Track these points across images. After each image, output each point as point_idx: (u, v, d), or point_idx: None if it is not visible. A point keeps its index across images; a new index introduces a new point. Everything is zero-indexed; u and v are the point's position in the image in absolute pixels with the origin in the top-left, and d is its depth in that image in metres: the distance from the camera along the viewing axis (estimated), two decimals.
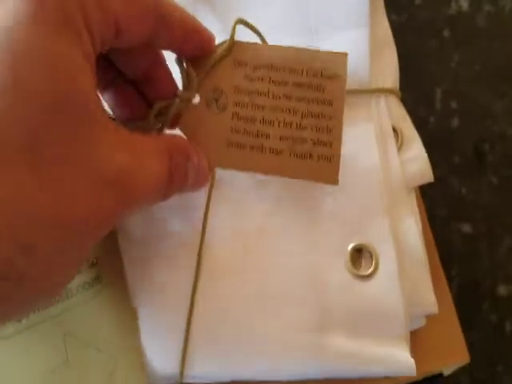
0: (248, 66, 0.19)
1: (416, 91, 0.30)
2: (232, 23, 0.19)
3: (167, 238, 0.19)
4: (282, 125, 0.19)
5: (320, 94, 0.19)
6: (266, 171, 0.19)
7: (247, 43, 0.19)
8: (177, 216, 0.19)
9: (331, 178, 0.19)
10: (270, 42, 0.20)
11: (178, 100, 0.18)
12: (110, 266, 0.18)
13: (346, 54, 0.19)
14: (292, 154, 0.19)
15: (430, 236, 0.23)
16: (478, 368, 0.26)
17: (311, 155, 0.19)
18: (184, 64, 0.18)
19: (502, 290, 0.27)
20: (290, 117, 0.19)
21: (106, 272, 0.18)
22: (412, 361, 0.18)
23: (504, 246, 0.28)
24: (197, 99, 0.19)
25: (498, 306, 0.27)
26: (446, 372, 0.23)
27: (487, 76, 0.31)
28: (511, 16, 0.33)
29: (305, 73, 0.19)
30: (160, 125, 0.19)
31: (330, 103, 0.19)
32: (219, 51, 0.19)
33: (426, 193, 0.24)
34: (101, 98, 0.18)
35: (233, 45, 0.19)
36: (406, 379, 0.21)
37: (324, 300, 0.19)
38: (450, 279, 0.23)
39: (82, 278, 0.17)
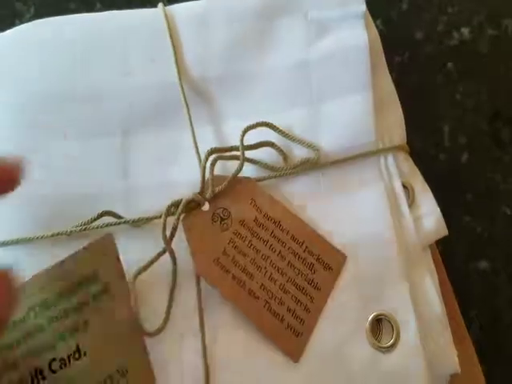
0: (261, 213, 0.20)
1: (423, 130, 0.31)
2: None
3: None
4: (267, 276, 0.20)
5: (311, 274, 0.20)
6: (237, 306, 0.19)
7: (271, 194, 0.21)
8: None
9: (294, 352, 0.19)
10: (275, 117, 0.21)
11: (189, 198, 0.19)
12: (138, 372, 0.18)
13: (345, 256, 0.20)
14: (266, 306, 0.19)
15: (449, 286, 0.24)
16: None
17: (283, 319, 0.19)
18: (207, 171, 0.20)
19: None
20: (277, 274, 0.20)
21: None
22: None
23: None
24: (206, 206, 0.20)
25: None
26: None
27: (494, 103, 0.31)
28: None
29: (304, 247, 0.20)
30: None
31: (318, 288, 0.20)
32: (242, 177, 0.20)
33: None
34: None
35: (254, 185, 0.21)
36: None
37: (348, 374, 0.19)
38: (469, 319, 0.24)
39: None
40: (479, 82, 0.32)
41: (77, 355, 0.18)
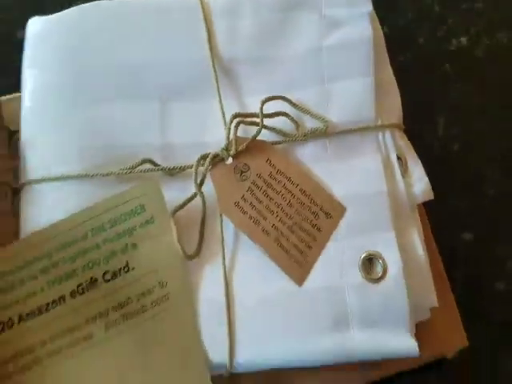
0: (275, 169, 0.25)
1: (421, 121, 0.35)
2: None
3: None
4: (278, 218, 0.24)
5: (314, 220, 0.24)
6: (252, 239, 0.24)
7: (284, 155, 0.25)
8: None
9: (298, 278, 0.24)
10: (291, 94, 0.26)
11: (215, 152, 0.24)
12: (176, 284, 0.23)
13: (344, 208, 0.25)
14: (276, 242, 0.24)
15: (434, 245, 0.28)
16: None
17: (288, 252, 0.24)
18: (232, 132, 0.24)
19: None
20: (286, 218, 0.24)
21: (172, 290, 0.23)
22: (415, 345, 0.23)
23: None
24: (229, 161, 0.25)
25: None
26: (449, 356, 0.27)
27: (485, 101, 0.35)
28: (508, 47, 0.37)
29: (310, 198, 0.25)
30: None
31: (320, 230, 0.24)
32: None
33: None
34: None
35: (270, 147, 0.25)
36: (417, 360, 0.26)
37: (342, 300, 0.23)
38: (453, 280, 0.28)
39: (153, 297, 0.22)
40: (472, 81, 0.36)
41: (126, 269, 0.22)
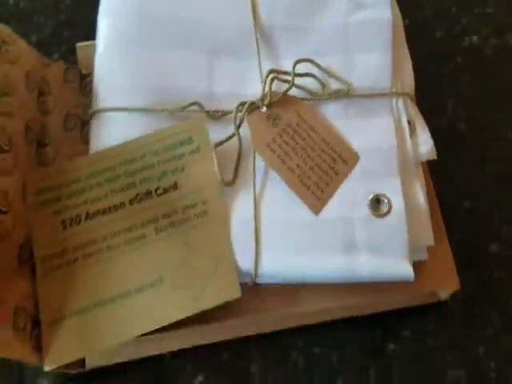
0: (302, 119, 0.29)
1: (433, 102, 0.38)
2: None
3: None
4: (301, 159, 0.29)
5: (332, 163, 0.29)
6: (279, 174, 0.28)
7: (311, 109, 0.29)
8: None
9: (316, 208, 0.28)
10: (320, 59, 0.30)
11: (252, 101, 0.29)
12: (215, 203, 0.27)
13: (358, 156, 0.29)
14: (299, 178, 0.28)
15: (435, 200, 0.31)
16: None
17: (309, 187, 0.28)
18: (267, 85, 0.29)
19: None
20: (308, 159, 0.29)
21: (211, 207, 0.27)
22: (411, 270, 0.26)
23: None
24: (264, 109, 0.29)
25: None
26: (444, 297, 0.31)
27: (490, 92, 0.39)
28: None
29: (330, 146, 0.29)
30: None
31: (337, 173, 0.29)
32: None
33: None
34: None
35: (299, 102, 0.29)
36: (414, 299, 0.29)
37: (352, 229, 0.28)
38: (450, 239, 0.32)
39: (195, 211, 0.27)
40: (480, 74, 0.40)
41: (174, 187, 0.27)
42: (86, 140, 0.30)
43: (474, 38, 0.41)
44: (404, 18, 0.35)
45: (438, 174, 0.32)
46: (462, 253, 0.32)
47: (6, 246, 0.24)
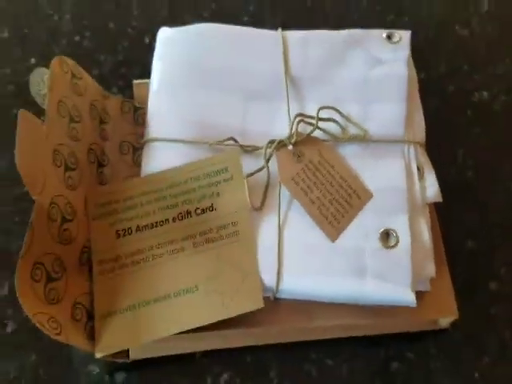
0: (323, 158, 0.33)
1: (444, 151, 0.41)
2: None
3: None
4: (321, 192, 0.32)
5: (348, 198, 0.33)
6: (301, 203, 0.32)
7: (331, 149, 0.33)
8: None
9: (332, 236, 0.31)
10: (342, 106, 0.34)
11: (281, 139, 0.33)
12: (244, 225, 0.31)
13: (371, 194, 0.33)
14: (319, 209, 0.32)
15: (440, 236, 0.35)
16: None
17: (327, 218, 0.32)
18: (294, 126, 0.33)
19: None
20: (327, 193, 0.32)
21: (241, 229, 0.31)
22: (413, 297, 0.29)
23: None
24: (290, 147, 0.33)
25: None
26: (444, 325, 0.34)
27: (498, 144, 0.42)
28: None
29: (347, 183, 0.33)
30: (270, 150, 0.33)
31: (351, 206, 0.32)
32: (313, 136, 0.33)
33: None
34: None
35: (321, 142, 0.34)
36: (415, 324, 0.33)
37: (362, 257, 0.31)
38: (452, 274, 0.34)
39: (228, 231, 0.31)
40: (489, 127, 0.42)
41: (211, 209, 0.31)
42: (136, 163, 0.35)
43: (485, 93, 0.44)
44: (421, 72, 0.39)
45: (446, 216, 0.35)
46: (463, 288, 0.34)
47: (71, 249, 0.29)
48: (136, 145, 0.36)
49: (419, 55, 0.39)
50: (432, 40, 0.46)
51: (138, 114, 0.37)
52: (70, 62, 0.33)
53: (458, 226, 0.38)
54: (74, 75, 0.33)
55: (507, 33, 0.48)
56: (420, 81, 0.37)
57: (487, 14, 0.49)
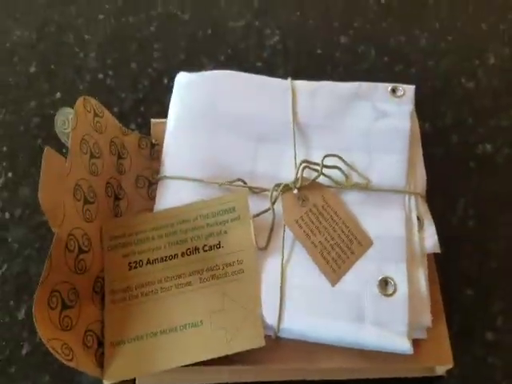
0: (327, 204, 0.35)
1: (445, 200, 0.42)
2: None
3: None
4: (323, 237, 0.33)
5: (349, 244, 0.34)
6: (304, 246, 0.33)
7: (335, 196, 0.35)
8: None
9: (333, 280, 0.32)
10: (345, 155, 0.36)
11: (287, 183, 0.35)
12: (249, 264, 0.33)
13: (372, 241, 0.34)
14: (320, 252, 0.33)
15: (438, 287, 0.35)
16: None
17: (328, 262, 0.33)
18: (299, 171, 0.35)
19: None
20: (329, 237, 0.34)
21: (246, 267, 0.33)
22: (409, 345, 0.30)
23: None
24: (295, 191, 0.35)
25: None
26: (440, 373, 0.35)
27: (499, 196, 0.43)
28: None
29: (348, 229, 0.34)
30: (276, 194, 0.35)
31: (352, 252, 0.33)
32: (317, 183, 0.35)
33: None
34: None
35: (325, 188, 0.35)
36: (411, 370, 0.34)
37: (361, 303, 0.32)
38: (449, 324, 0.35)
39: (233, 268, 0.32)
40: (491, 179, 0.43)
41: (218, 246, 0.33)
42: (151, 197, 0.37)
43: (488, 146, 0.45)
44: (426, 123, 0.41)
45: (446, 264, 0.36)
46: (460, 337, 0.35)
47: (85, 278, 0.30)
48: (151, 179, 0.38)
49: (425, 106, 0.40)
50: (438, 91, 0.48)
51: (154, 150, 0.39)
52: (93, 101, 0.36)
53: (458, 274, 0.39)
54: (96, 114, 0.36)
55: None
56: (425, 131, 0.39)
57: (493, 67, 0.50)
